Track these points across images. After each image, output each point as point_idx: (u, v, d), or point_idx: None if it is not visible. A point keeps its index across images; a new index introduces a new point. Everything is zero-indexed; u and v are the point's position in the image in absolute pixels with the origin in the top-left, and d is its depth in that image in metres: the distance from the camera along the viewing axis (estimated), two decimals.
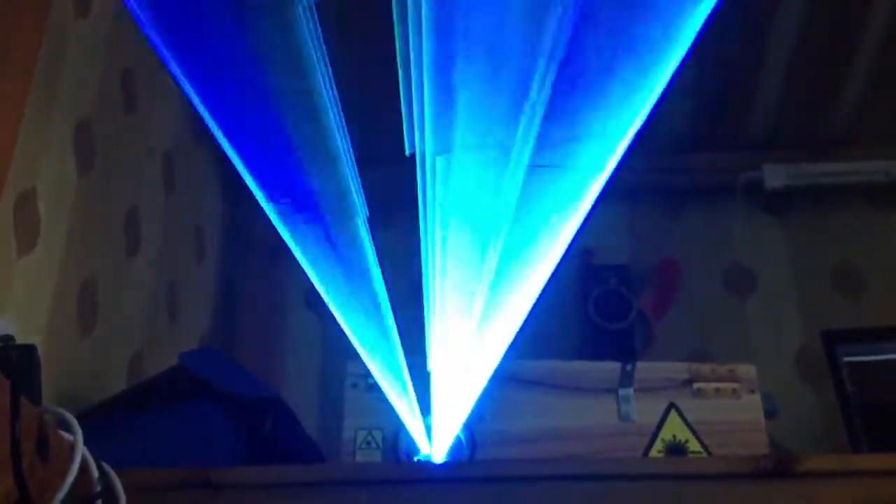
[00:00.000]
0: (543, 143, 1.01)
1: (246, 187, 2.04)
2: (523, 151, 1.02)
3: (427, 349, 1.19)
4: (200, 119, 1.84)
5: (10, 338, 0.93)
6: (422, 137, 1.03)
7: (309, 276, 1.18)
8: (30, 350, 0.95)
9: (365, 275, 1.15)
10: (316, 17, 0.93)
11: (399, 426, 1.27)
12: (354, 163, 1.07)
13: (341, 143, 1.04)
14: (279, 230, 1.15)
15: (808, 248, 2.02)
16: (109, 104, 1.47)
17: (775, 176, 2.00)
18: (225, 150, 1.07)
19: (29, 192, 1.20)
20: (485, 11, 0.95)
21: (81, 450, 0.94)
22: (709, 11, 0.91)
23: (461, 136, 1.02)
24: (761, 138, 2.06)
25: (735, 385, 1.31)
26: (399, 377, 1.20)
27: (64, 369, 1.28)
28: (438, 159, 1.04)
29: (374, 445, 1.26)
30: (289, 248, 2.02)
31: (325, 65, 0.96)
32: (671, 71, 0.96)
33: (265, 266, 2.02)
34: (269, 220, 2.01)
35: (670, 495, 1.06)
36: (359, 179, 1.09)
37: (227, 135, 1.05)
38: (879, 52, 1.87)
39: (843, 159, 2.02)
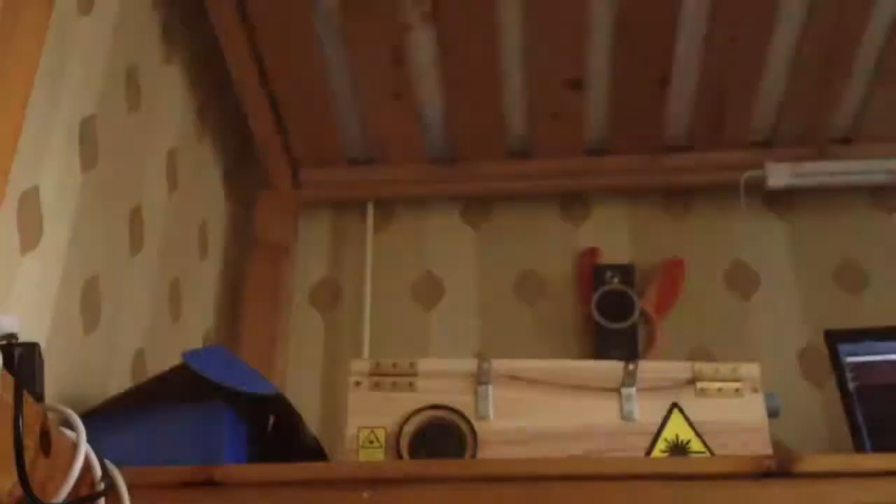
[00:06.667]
0: None
1: (249, 185, 2.05)
2: None
3: None
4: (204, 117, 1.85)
5: (13, 335, 0.93)
6: None
7: None
8: (33, 348, 0.95)
9: None
10: None
11: (403, 423, 1.26)
12: None
13: None
14: None
15: (811, 246, 2.02)
16: (113, 102, 1.47)
17: (778, 174, 2.00)
18: None
19: (32, 190, 1.20)
20: None
21: (84, 447, 0.95)
22: None
23: None
24: (764, 136, 2.05)
25: (738, 384, 1.31)
26: None
27: (67, 367, 1.28)
28: None
29: (376, 444, 1.26)
30: (292, 245, 2.03)
31: None
32: None
33: (268, 263, 2.02)
34: (272, 217, 2.02)
35: (673, 495, 1.06)
36: None
37: None
38: (883, 50, 1.87)
39: (846, 158, 2.02)
